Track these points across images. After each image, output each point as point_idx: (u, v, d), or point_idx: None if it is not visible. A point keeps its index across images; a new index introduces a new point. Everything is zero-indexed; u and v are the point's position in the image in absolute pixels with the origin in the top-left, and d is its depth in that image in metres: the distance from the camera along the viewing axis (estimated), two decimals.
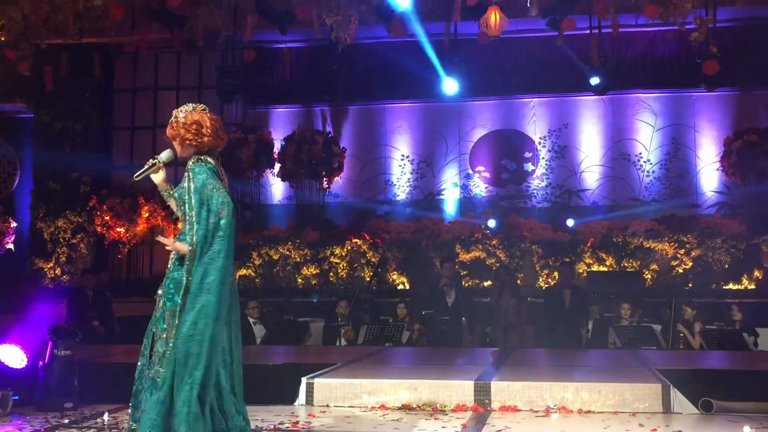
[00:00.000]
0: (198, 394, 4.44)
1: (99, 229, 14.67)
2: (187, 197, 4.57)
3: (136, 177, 4.79)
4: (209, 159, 4.70)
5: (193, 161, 4.67)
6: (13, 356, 6.68)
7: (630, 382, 6.46)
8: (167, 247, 4.64)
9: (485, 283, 13.16)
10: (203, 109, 4.75)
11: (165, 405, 4.42)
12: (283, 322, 11.82)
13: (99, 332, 10.93)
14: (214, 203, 4.54)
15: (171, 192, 4.77)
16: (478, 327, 11.31)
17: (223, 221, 4.54)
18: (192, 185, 4.57)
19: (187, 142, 4.67)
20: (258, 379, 6.62)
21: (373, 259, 13.88)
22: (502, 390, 6.45)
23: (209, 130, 4.69)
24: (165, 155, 4.74)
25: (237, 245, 13.89)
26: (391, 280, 13.86)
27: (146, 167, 4.74)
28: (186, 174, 4.65)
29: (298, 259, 14.08)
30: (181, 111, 4.72)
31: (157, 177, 4.77)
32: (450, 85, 13.01)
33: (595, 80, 12.76)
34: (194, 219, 4.52)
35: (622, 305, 10.75)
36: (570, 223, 13.93)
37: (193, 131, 4.66)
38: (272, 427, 5.60)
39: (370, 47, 14.59)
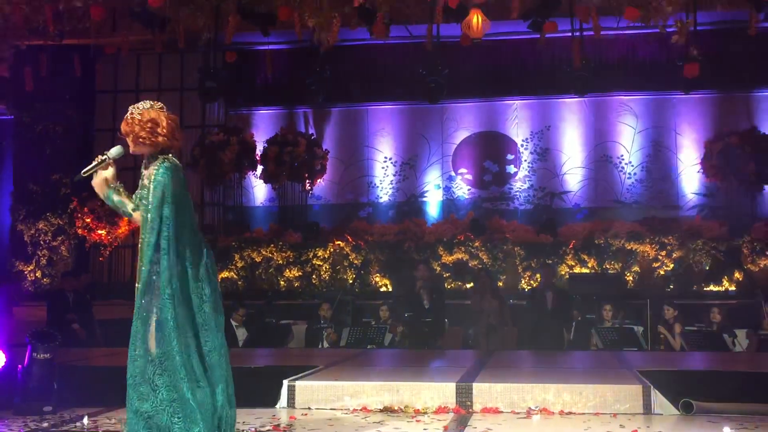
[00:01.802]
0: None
1: (80, 231, 14.59)
2: (149, 196, 4.54)
3: (84, 173, 4.65)
4: (174, 159, 4.64)
5: (160, 161, 4.58)
6: None
7: (611, 384, 6.47)
8: None
9: (468, 285, 13.17)
10: (161, 108, 4.66)
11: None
12: (265, 325, 11.79)
13: (79, 335, 10.87)
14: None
15: (119, 189, 4.69)
16: (460, 329, 11.33)
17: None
18: (154, 183, 4.53)
19: (140, 140, 4.59)
20: (239, 382, 6.60)
21: (355, 261, 13.89)
22: (484, 392, 6.45)
23: (164, 130, 4.60)
24: (114, 151, 4.64)
25: (219, 247, 13.80)
26: (373, 282, 13.86)
27: (94, 163, 4.61)
28: (150, 173, 4.60)
29: (280, 261, 14.06)
30: (137, 107, 4.65)
31: (106, 173, 4.66)
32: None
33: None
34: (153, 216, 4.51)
35: (604, 307, 10.79)
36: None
37: (147, 129, 4.58)
38: (253, 429, 5.58)
39: (352, 49, 14.59)
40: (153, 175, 4.55)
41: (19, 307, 13.40)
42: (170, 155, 4.64)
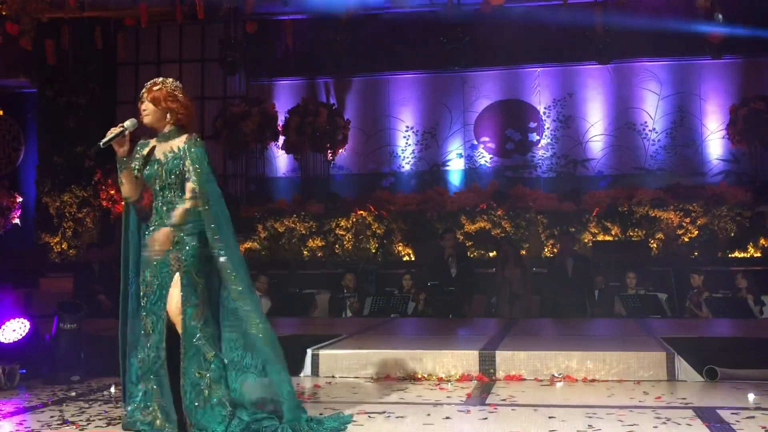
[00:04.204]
0: None
1: (104, 203, 14.70)
2: (192, 168, 4.58)
3: (103, 144, 4.64)
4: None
5: (193, 138, 4.69)
6: (15, 330, 6.71)
7: (634, 351, 6.47)
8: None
9: (490, 254, 13.16)
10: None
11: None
12: (289, 294, 11.86)
13: (105, 306, 10.98)
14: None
15: (129, 164, 4.70)
16: (483, 297, 11.33)
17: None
18: (197, 159, 4.61)
19: (180, 116, 4.70)
20: None
21: (378, 231, 13.89)
22: (507, 359, 6.47)
23: (193, 112, 4.82)
24: (130, 124, 4.67)
25: (242, 218, 13.82)
26: (396, 251, 13.87)
27: (114, 134, 4.62)
28: (184, 146, 4.64)
29: (303, 232, 14.09)
30: (173, 83, 4.71)
31: (123, 147, 4.68)
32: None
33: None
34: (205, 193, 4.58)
35: (628, 274, 10.75)
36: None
37: (186, 106, 4.72)
38: None
39: (372, 18, 14.51)
40: (187, 149, 4.63)
41: (46, 278, 13.55)
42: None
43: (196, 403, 4.47)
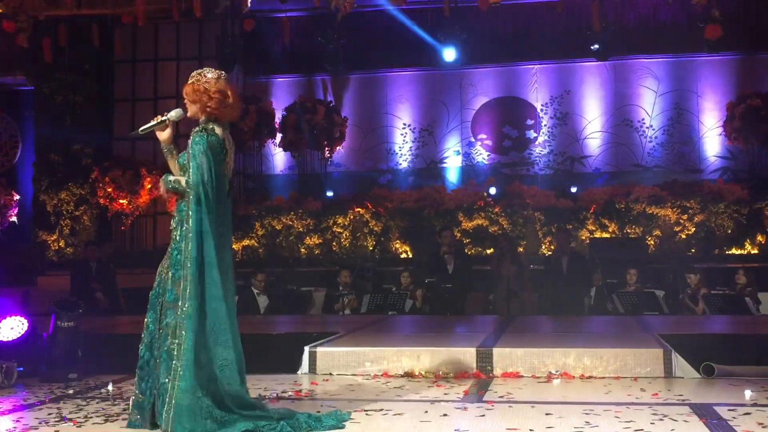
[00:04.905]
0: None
1: (102, 201, 14.68)
2: (187, 164, 4.55)
3: (141, 131, 4.66)
4: (216, 129, 4.65)
5: (196, 129, 4.63)
6: (13, 328, 6.70)
7: (632, 348, 6.47)
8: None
9: (488, 251, 13.17)
10: (226, 78, 4.71)
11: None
12: (287, 292, 11.85)
13: (102, 304, 10.98)
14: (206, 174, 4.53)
15: (173, 151, 4.71)
16: (480, 294, 11.34)
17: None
18: (191, 149, 4.54)
19: (208, 109, 4.61)
20: (261, 348, 6.66)
21: (375, 228, 13.90)
22: (504, 356, 6.46)
23: (231, 100, 4.66)
24: (175, 114, 4.64)
25: (240, 216, 13.82)
26: (393, 248, 13.88)
27: (153, 123, 4.62)
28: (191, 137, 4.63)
29: (300, 229, 14.09)
30: (207, 74, 4.66)
31: (163, 134, 4.66)
32: (449, 54, 13.07)
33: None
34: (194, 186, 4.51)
35: (629, 271, 10.74)
36: (572, 190, 13.93)
37: (216, 100, 4.60)
38: (275, 395, 5.62)
39: (369, 15, 14.51)
40: (191, 139, 4.59)
41: (43, 276, 13.55)
42: (214, 126, 4.65)
43: (165, 409, 4.41)
